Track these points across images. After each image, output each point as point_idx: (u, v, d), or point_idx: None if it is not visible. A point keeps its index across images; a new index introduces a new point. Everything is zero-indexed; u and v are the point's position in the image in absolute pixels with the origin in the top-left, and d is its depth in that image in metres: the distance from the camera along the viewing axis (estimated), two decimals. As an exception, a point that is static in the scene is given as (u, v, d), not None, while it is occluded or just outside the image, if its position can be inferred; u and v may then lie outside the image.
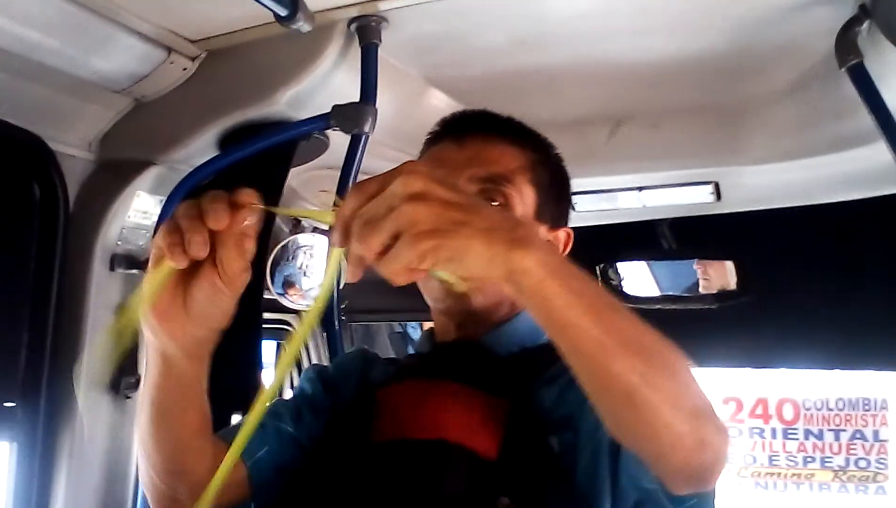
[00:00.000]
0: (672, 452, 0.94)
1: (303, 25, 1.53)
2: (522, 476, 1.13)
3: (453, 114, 1.48)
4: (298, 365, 2.87)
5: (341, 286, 2.10)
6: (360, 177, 1.78)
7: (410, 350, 5.13)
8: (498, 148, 1.38)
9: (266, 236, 2.05)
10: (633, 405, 0.92)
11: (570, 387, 1.16)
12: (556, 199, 1.44)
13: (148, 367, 1.10)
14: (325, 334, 2.07)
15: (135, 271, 1.95)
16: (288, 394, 1.62)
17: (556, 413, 1.19)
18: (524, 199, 1.35)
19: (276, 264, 2.65)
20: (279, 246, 2.65)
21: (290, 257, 2.71)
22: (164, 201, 1.94)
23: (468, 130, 1.40)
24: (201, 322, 1.03)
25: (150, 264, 1.00)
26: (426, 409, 1.27)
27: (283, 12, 1.49)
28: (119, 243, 1.92)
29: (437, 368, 1.33)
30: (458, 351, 1.22)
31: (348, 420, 1.33)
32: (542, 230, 1.40)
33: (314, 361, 3.04)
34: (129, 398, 1.96)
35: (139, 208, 1.93)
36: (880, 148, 1.60)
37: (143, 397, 1.14)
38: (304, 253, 2.73)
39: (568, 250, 1.45)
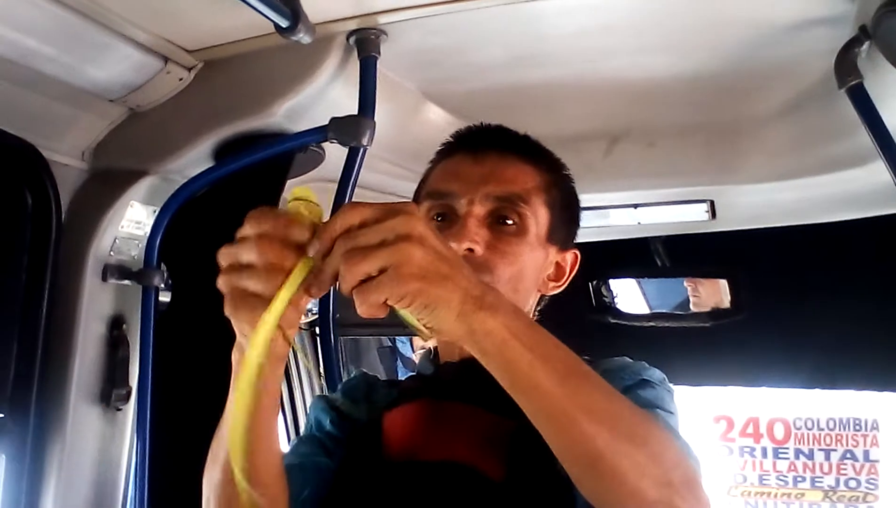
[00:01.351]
0: None
1: (303, 37, 1.53)
2: (528, 499, 1.12)
3: (469, 127, 1.47)
4: (289, 383, 2.86)
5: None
6: (357, 190, 1.78)
7: (399, 365, 5.14)
8: (514, 166, 1.37)
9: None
10: (596, 472, 0.93)
11: None
12: (567, 220, 1.44)
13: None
14: (320, 348, 2.05)
15: (127, 281, 1.93)
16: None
17: None
18: (538, 219, 1.35)
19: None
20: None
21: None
22: (157, 212, 1.93)
23: (484, 145, 1.39)
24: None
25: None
26: (434, 430, 1.26)
27: (284, 23, 1.48)
28: (112, 253, 1.91)
29: (443, 389, 1.32)
30: (464, 372, 1.21)
31: (358, 445, 1.32)
32: (553, 251, 1.40)
33: (307, 375, 3.03)
34: (119, 409, 1.94)
35: (132, 218, 1.91)
36: (876, 169, 1.61)
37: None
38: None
39: (574, 271, 1.45)
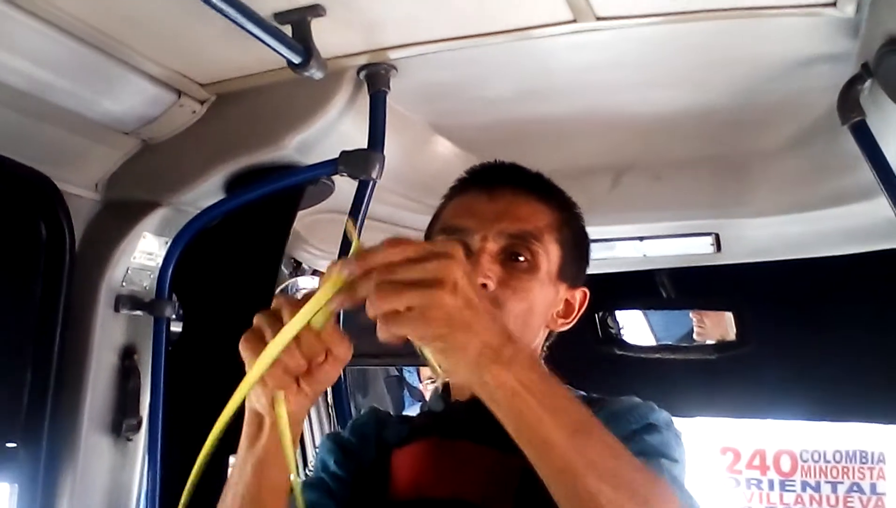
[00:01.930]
0: None
1: (315, 73, 1.55)
2: None
3: (483, 164, 1.50)
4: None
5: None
6: (367, 222, 1.80)
7: (406, 394, 5.13)
8: (528, 204, 1.40)
9: (271, 277, 2.05)
10: None
11: None
12: (577, 258, 1.46)
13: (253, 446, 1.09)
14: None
15: (139, 312, 1.95)
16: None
17: None
18: (550, 257, 1.37)
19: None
20: (279, 289, 2.65)
21: (291, 300, 2.71)
22: (169, 243, 1.95)
23: (499, 182, 1.42)
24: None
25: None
26: (443, 469, 1.28)
27: (296, 60, 1.50)
28: (124, 283, 1.92)
29: (452, 427, 1.33)
30: (474, 410, 1.23)
31: (368, 482, 1.34)
32: (563, 289, 1.42)
33: (314, 407, 3.02)
34: (130, 440, 1.95)
35: (145, 249, 1.93)
36: (880, 203, 1.62)
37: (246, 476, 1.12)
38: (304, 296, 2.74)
39: (583, 309, 1.47)
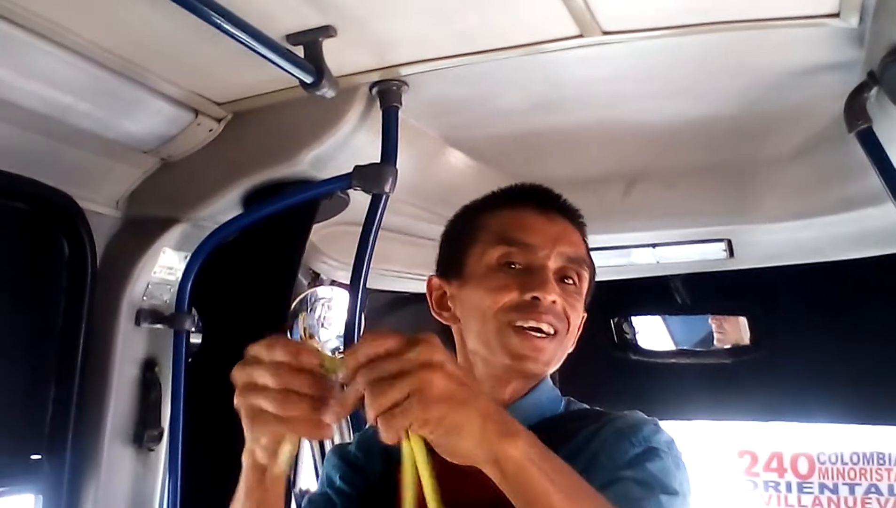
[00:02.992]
0: None
1: (327, 92, 1.58)
2: None
3: (532, 185, 1.55)
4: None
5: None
6: (381, 232, 1.82)
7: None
8: (576, 232, 1.49)
9: (288, 288, 2.08)
10: None
11: (592, 463, 1.21)
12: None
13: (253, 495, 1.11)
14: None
15: (160, 325, 1.98)
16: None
17: None
18: (585, 284, 1.45)
19: (294, 315, 2.68)
20: (298, 299, 2.68)
21: (309, 309, 2.74)
22: (188, 258, 1.98)
23: (552, 206, 1.49)
24: None
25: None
26: (451, 482, 1.29)
27: (308, 79, 1.53)
28: (145, 298, 1.96)
29: None
30: None
31: (376, 498, 1.36)
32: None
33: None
34: (151, 451, 1.98)
35: (165, 264, 1.97)
36: (889, 208, 1.63)
37: None
38: (322, 305, 2.77)
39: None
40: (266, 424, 0.98)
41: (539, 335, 1.35)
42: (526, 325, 1.34)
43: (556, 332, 1.36)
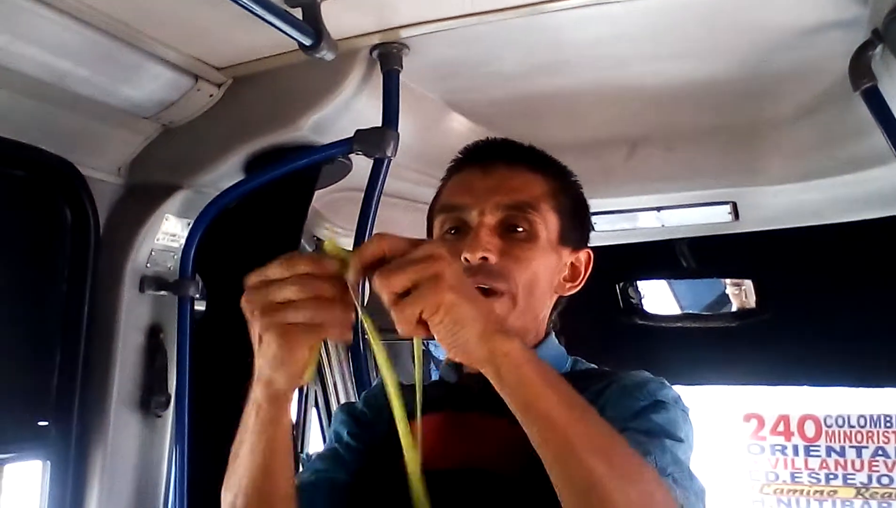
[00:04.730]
0: None
1: (326, 54, 1.57)
2: (545, 493, 1.15)
3: (476, 142, 1.51)
4: (323, 383, 2.90)
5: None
6: (384, 198, 1.82)
7: (433, 369, 5.15)
8: (522, 176, 1.41)
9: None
10: (589, 502, 0.97)
11: None
12: (577, 223, 1.47)
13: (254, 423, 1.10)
14: (349, 354, 2.09)
15: (163, 292, 1.99)
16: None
17: None
18: (548, 225, 1.39)
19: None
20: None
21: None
22: (191, 224, 1.98)
23: (492, 158, 1.43)
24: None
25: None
26: (456, 441, 1.30)
27: (307, 42, 1.52)
28: (148, 265, 1.97)
29: (465, 399, 1.36)
30: (485, 382, 1.26)
31: (382, 453, 1.36)
32: (566, 253, 1.43)
33: (338, 380, 3.06)
34: (159, 416, 2.00)
35: (167, 230, 1.98)
36: (895, 168, 1.62)
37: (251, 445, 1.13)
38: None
39: (589, 270, 1.48)
40: (300, 336, 0.98)
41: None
42: None
43: (496, 290, 1.32)
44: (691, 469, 1.20)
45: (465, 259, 1.31)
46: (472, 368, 1.37)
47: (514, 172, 1.41)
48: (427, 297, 0.92)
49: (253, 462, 1.11)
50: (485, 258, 1.31)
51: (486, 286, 1.30)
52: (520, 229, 1.36)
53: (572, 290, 1.47)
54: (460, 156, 1.50)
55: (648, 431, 1.18)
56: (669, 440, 1.19)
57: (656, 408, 1.25)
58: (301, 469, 1.49)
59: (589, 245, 1.52)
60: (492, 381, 0.99)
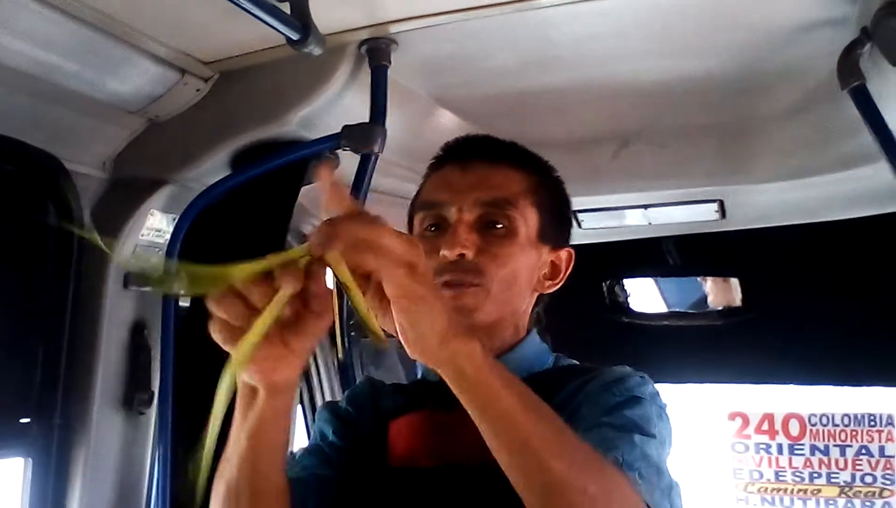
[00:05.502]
0: None
1: (314, 49, 1.55)
2: None
3: (456, 139, 1.51)
4: (308, 381, 2.88)
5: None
6: (371, 195, 1.81)
7: (419, 368, 5.16)
8: (501, 172, 1.41)
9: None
10: (549, 502, 0.97)
11: (575, 414, 1.21)
12: (558, 220, 1.47)
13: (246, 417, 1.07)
14: (333, 350, 2.08)
15: (148, 288, 1.97)
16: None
17: None
18: (527, 221, 1.39)
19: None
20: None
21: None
22: (176, 220, 1.96)
23: (472, 155, 1.43)
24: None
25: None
26: (438, 440, 1.30)
27: (294, 36, 1.51)
28: (132, 260, 1.94)
29: (445, 398, 1.35)
30: None
31: (366, 451, 1.37)
32: (545, 251, 1.43)
33: (326, 377, 3.05)
34: (142, 413, 1.98)
35: (152, 226, 1.95)
36: (882, 167, 1.62)
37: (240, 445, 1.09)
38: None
39: (570, 269, 1.47)
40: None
41: (453, 290, 1.31)
42: (441, 282, 1.30)
43: (471, 284, 1.32)
44: (662, 464, 1.19)
45: (443, 255, 1.31)
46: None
47: (493, 168, 1.41)
48: (399, 278, 0.87)
49: (237, 451, 1.09)
50: (462, 255, 1.31)
51: (458, 280, 1.31)
52: (499, 226, 1.36)
53: (552, 288, 1.47)
54: (441, 153, 1.49)
55: (620, 426, 1.18)
56: (640, 436, 1.18)
57: (630, 404, 1.24)
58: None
59: (575, 242, 1.52)
60: (449, 381, 0.97)
